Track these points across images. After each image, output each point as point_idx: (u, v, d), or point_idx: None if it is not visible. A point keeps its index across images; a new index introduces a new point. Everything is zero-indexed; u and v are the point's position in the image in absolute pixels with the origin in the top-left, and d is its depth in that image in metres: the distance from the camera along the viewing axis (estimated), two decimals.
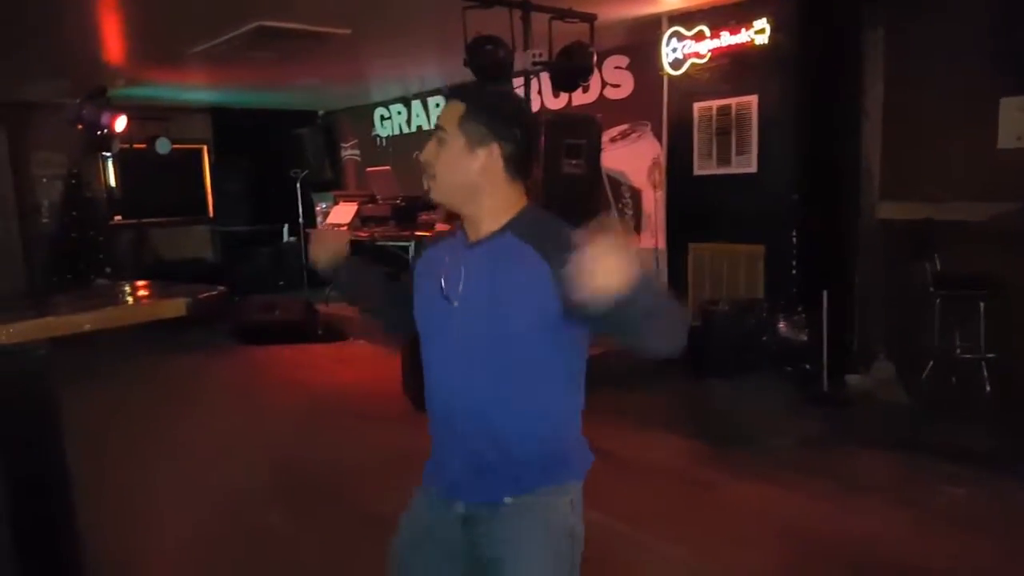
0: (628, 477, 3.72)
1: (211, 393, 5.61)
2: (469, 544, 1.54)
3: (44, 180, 8.88)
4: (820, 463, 3.75)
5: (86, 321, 1.35)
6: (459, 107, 1.49)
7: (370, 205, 7.74)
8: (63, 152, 8.78)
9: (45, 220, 8.86)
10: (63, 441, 1.46)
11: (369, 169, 8.39)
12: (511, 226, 1.50)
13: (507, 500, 1.52)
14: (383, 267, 1.88)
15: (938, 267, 4.48)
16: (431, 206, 7.64)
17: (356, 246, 1.81)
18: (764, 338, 4.70)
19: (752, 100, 4.95)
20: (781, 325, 4.68)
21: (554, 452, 1.58)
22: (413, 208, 7.24)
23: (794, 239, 4.85)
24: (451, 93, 1.55)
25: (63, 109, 7.77)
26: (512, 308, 1.44)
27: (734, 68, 5.04)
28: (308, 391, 5.51)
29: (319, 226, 8.17)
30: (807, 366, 4.66)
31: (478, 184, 1.49)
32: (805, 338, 4.63)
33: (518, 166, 1.51)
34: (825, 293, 4.58)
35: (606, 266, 1.15)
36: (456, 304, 1.50)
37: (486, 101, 1.52)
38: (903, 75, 4.77)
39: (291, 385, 5.71)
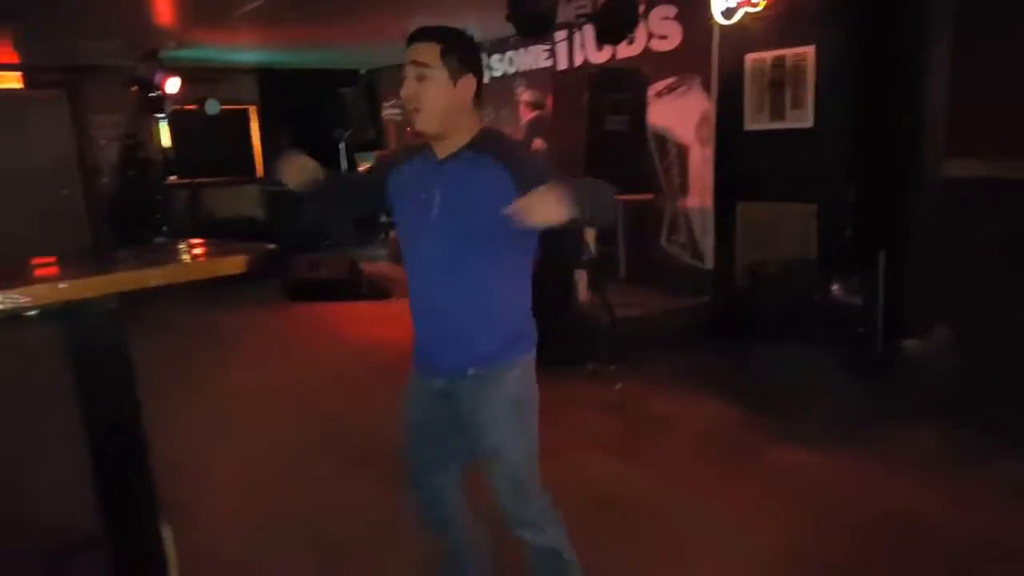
0: (670, 439, 3.75)
1: (261, 347, 5.80)
2: (451, 411, 1.94)
3: (103, 142, 9.13)
4: (869, 431, 3.68)
5: (153, 277, 1.43)
6: (436, 47, 1.76)
7: None
8: (119, 114, 9.01)
9: (105, 180, 9.14)
10: (135, 387, 1.56)
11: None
12: (473, 144, 1.82)
13: (470, 372, 1.88)
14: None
15: (1003, 229, 4.32)
16: None
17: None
18: (815, 301, 4.62)
19: (808, 51, 4.77)
20: (833, 287, 4.58)
21: (506, 334, 1.91)
22: None
23: (850, 197, 4.71)
24: (425, 35, 1.78)
25: (118, 72, 7.96)
26: (481, 207, 1.75)
27: (790, 17, 4.84)
28: (352, 347, 5.65)
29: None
30: (860, 330, 4.57)
31: (458, 110, 1.80)
32: (859, 301, 4.52)
33: (479, 94, 1.84)
34: (882, 254, 4.46)
35: (542, 208, 1.50)
36: (435, 212, 1.82)
37: (458, 41, 1.80)
38: (974, 25, 4.55)
39: (336, 341, 5.86)
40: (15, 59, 8.24)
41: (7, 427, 3.82)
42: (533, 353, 1.97)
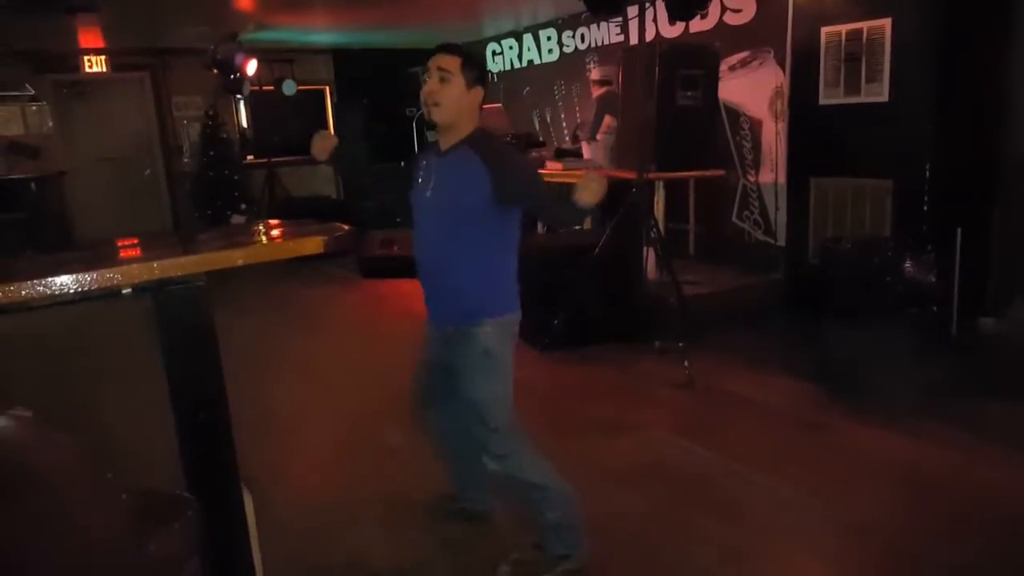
0: (743, 417, 3.72)
1: (337, 322, 5.98)
2: (445, 353, 2.38)
3: (184, 122, 9.50)
4: (946, 410, 3.58)
5: (239, 256, 1.52)
6: (457, 59, 2.23)
7: None
8: (200, 95, 9.35)
9: (186, 160, 9.51)
10: (221, 362, 1.66)
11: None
12: (466, 141, 2.26)
13: (451, 328, 2.34)
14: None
15: None
16: (542, 143, 7.65)
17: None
18: (889, 278, 4.48)
19: (885, 23, 4.60)
20: (908, 265, 4.45)
21: (483, 298, 2.29)
22: (524, 146, 7.26)
23: (927, 173, 4.55)
24: (449, 49, 2.26)
25: (199, 54, 8.24)
26: (463, 194, 2.20)
27: None
28: (422, 322, 5.76)
29: None
30: (935, 308, 4.42)
31: (467, 113, 2.26)
32: (934, 279, 4.38)
33: (482, 105, 2.32)
34: (959, 231, 4.30)
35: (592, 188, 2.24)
36: (430, 193, 2.29)
37: (474, 58, 2.28)
38: None
39: (408, 315, 5.99)
40: (101, 44, 8.61)
41: (105, 395, 4.09)
42: (508, 316, 2.35)
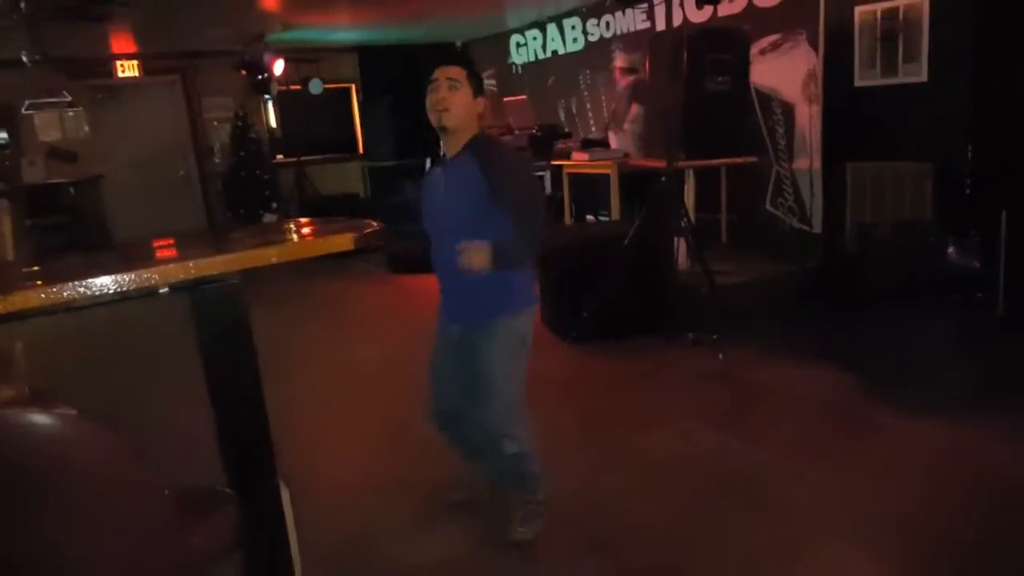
0: (779, 409, 3.65)
1: (366, 317, 6.03)
2: (464, 351, 2.53)
3: (215, 123, 9.62)
4: (993, 399, 3.44)
5: (272, 255, 1.53)
6: (463, 70, 2.44)
7: (507, 136, 7.80)
8: (229, 96, 9.46)
9: (217, 160, 9.64)
10: (256, 359, 1.67)
11: (506, 99, 8.43)
12: (467, 148, 2.44)
13: (469, 322, 2.51)
14: None
15: None
16: (567, 134, 7.61)
17: None
18: (931, 264, 4.37)
19: (923, 0, 4.48)
20: (951, 250, 4.33)
21: (496, 295, 2.44)
22: (549, 137, 7.22)
23: (969, 155, 4.42)
24: (456, 61, 2.46)
25: (228, 56, 8.34)
26: (468, 196, 2.38)
27: None
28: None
29: None
30: (979, 294, 4.31)
31: (472, 118, 2.46)
32: (978, 264, 4.26)
33: (483, 115, 2.50)
34: (1004, 214, 4.18)
35: (475, 258, 2.30)
36: (441, 197, 2.48)
37: (476, 71, 2.51)
38: None
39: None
40: (133, 48, 8.75)
41: (145, 390, 4.16)
42: (523, 311, 2.52)
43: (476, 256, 2.28)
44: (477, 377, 2.49)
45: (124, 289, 1.34)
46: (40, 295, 1.28)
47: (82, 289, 1.30)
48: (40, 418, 1.11)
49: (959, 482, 2.85)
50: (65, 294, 1.30)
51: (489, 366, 2.46)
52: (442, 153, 2.55)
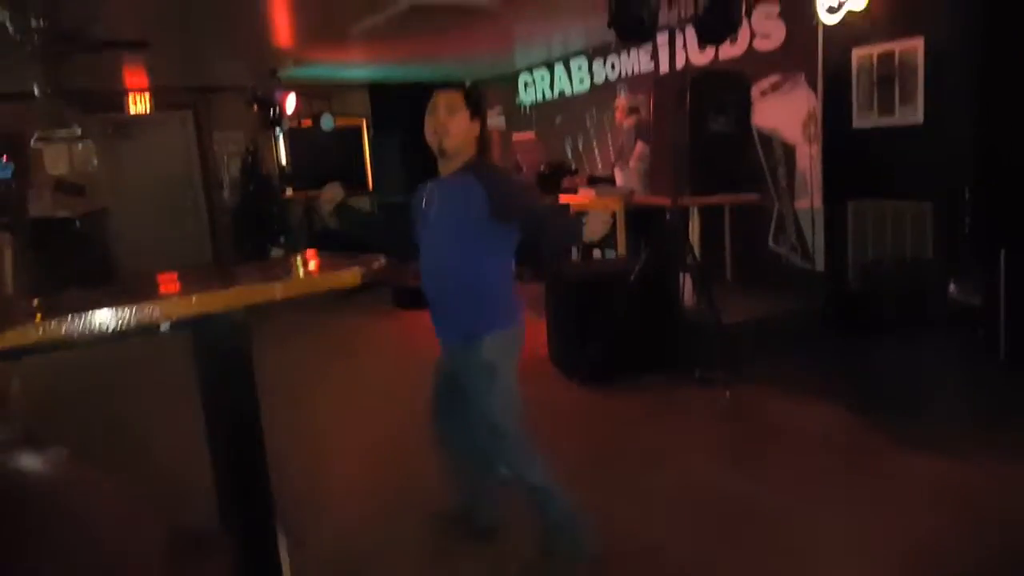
0: (787, 446, 3.63)
1: (373, 351, 6.02)
2: (453, 365, 2.55)
3: (225, 158, 9.73)
4: (1001, 437, 3.44)
5: (277, 291, 1.54)
6: (460, 94, 2.49)
7: (516, 174, 7.89)
8: (240, 131, 9.57)
9: (226, 194, 9.72)
10: (257, 394, 1.68)
11: (515, 137, 8.53)
12: (465, 168, 2.48)
13: (457, 342, 2.50)
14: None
15: None
16: (575, 171, 7.68)
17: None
18: (933, 301, 4.38)
19: (917, 44, 4.55)
20: (951, 287, 4.34)
21: (483, 314, 2.46)
22: (557, 174, 7.29)
23: (967, 194, 4.45)
24: (451, 86, 2.51)
25: (240, 91, 8.47)
26: (465, 215, 2.40)
27: (896, 10, 4.64)
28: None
29: None
30: (982, 331, 4.31)
31: (470, 141, 2.51)
32: (978, 302, 4.27)
33: (479, 137, 2.54)
34: (1003, 252, 4.19)
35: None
36: (432, 216, 2.50)
37: (473, 94, 2.54)
38: None
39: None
40: (146, 83, 8.89)
41: (145, 430, 4.16)
42: (510, 329, 2.51)
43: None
44: (465, 395, 2.53)
45: (124, 325, 1.34)
46: (37, 331, 1.27)
47: (80, 324, 1.30)
48: (31, 461, 1.11)
49: (965, 517, 2.83)
50: (63, 330, 1.29)
51: (467, 385, 2.50)
52: (436, 177, 2.61)
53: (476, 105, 2.53)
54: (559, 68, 8.89)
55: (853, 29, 4.91)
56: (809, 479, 3.25)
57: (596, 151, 8.48)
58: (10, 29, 3.31)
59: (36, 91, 6.28)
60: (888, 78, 4.74)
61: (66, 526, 1.13)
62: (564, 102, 8.95)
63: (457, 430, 2.68)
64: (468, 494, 2.86)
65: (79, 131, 8.27)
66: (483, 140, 2.56)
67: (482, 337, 2.44)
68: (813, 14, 5.13)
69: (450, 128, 2.45)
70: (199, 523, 1.68)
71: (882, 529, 2.78)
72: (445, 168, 2.53)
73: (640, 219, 5.91)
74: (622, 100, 6.70)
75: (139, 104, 9.20)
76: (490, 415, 2.47)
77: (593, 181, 6.77)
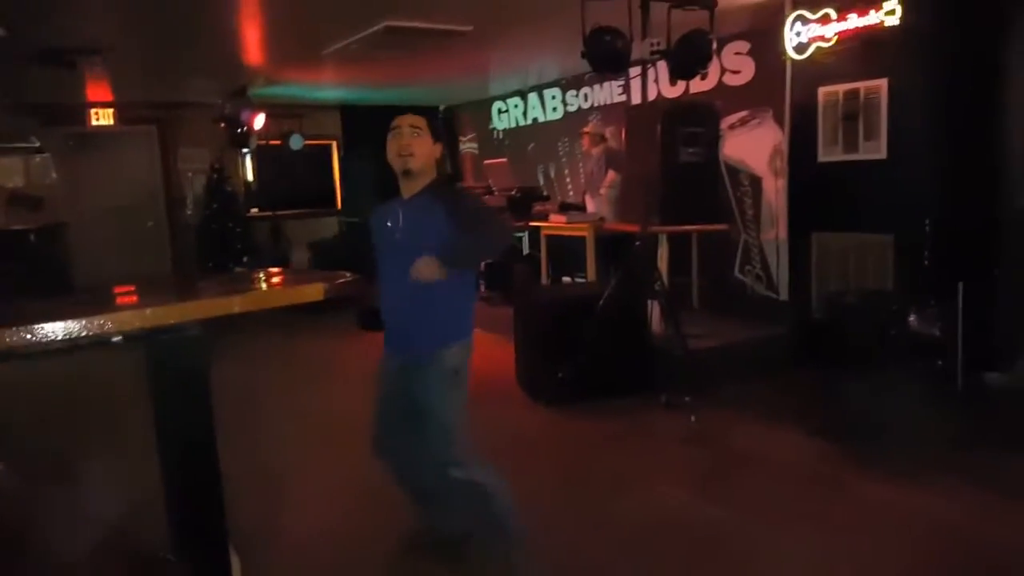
0: (752, 472, 3.64)
1: (336, 374, 5.91)
2: (406, 383, 2.62)
3: (189, 174, 9.56)
4: (961, 463, 3.52)
5: (235, 304, 1.48)
6: (423, 119, 2.62)
7: (487, 196, 7.89)
8: (206, 148, 9.43)
9: (189, 212, 9.55)
10: (212, 415, 1.61)
11: (487, 161, 8.54)
12: (427, 189, 2.61)
13: (414, 355, 2.59)
14: None
15: None
16: (546, 197, 7.72)
17: None
18: (894, 332, 4.45)
19: (882, 84, 4.68)
20: (912, 318, 4.42)
21: (443, 329, 2.58)
22: (528, 198, 7.32)
23: (927, 228, 4.55)
24: (415, 111, 2.64)
25: (208, 108, 8.36)
26: (426, 235, 2.48)
27: (862, 51, 4.77)
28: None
29: None
30: (940, 362, 4.38)
31: (432, 163, 2.63)
32: (938, 332, 4.35)
33: (440, 159, 2.68)
34: (961, 285, 4.29)
35: (425, 271, 2.40)
36: (398, 235, 2.57)
37: (435, 121, 2.69)
38: None
39: None
40: (110, 97, 8.73)
41: (91, 445, 4.01)
42: (468, 338, 2.65)
43: (425, 269, 2.39)
44: (417, 408, 2.60)
45: (74, 336, 1.27)
46: None
47: (26, 335, 1.22)
48: None
49: (926, 544, 2.85)
50: (7, 340, 1.21)
51: (427, 395, 2.58)
52: (395, 195, 2.70)
53: (438, 129, 2.67)
54: (533, 97, 8.96)
55: (820, 68, 5.04)
56: (775, 505, 3.25)
57: (568, 178, 8.53)
58: None
59: None
60: (853, 115, 4.86)
61: (4, 542, 1.06)
62: (537, 129, 9.00)
63: (404, 450, 2.73)
64: (426, 512, 2.90)
65: (37, 143, 8.07)
66: (452, 164, 2.66)
67: (450, 346, 2.58)
68: (781, 52, 5.25)
69: (414, 149, 2.57)
70: (151, 545, 1.60)
71: (849, 555, 2.79)
72: (408, 189, 2.64)
73: (610, 245, 5.94)
74: (589, 128, 6.77)
75: (102, 118, 9.01)
76: (448, 420, 2.58)
77: (565, 207, 6.80)
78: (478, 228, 2.49)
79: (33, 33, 4.71)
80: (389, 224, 2.61)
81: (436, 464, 2.59)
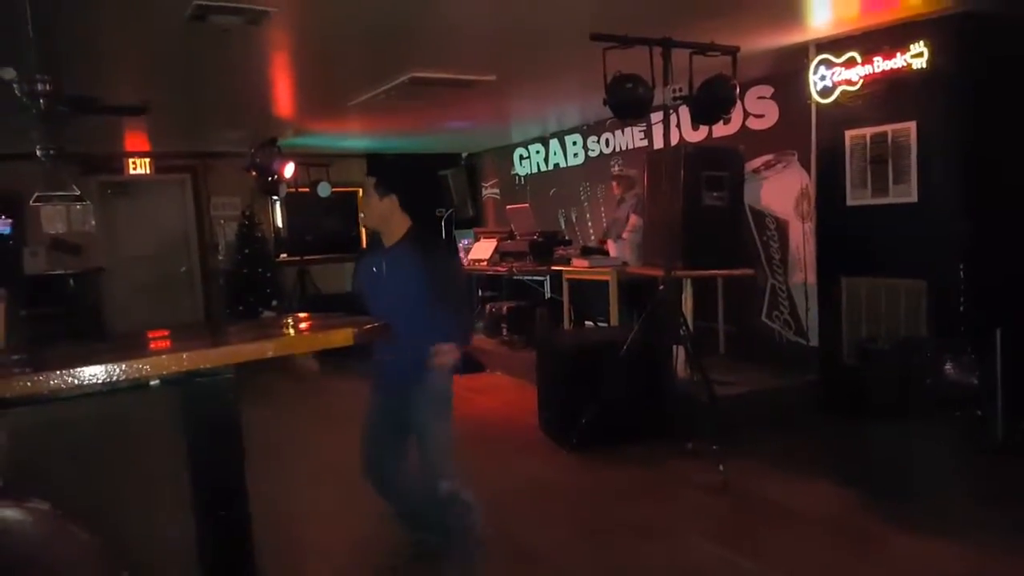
0: (781, 524, 3.55)
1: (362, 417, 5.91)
2: (397, 408, 2.91)
3: (222, 221, 9.79)
4: (998, 518, 3.39)
5: (269, 349, 1.50)
6: (372, 180, 2.92)
7: (509, 241, 7.95)
8: (238, 196, 9.67)
9: (221, 257, 9.74)
10: (243, 457, 1.62)
11: (509, 207, 8.63)
12: (404, 240, 2.91)
13: (409, 384, 2.85)
14: None
15: None
16: (566, 242, 7.75)
17: None
18: (929, 380, 4.34)
19: (910, 126, 4.66)
20: (948, 366, 4.31)
21: (427, 360, 2.79)
22: (550, 243, 7.35)
23: (962, 272, 4.48)
24: (370, 171, 2.98)
25: (239, 157, 8.58)
26: (406, 283, 2.82)
27: (889, 94, 4.77)
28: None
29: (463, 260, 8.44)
30: (978, 412, 4.26)
31: (387, 216, 2.93)
32: (975, 381, 4.24)
33: (404, 207, 2.94)
34: (999, 331, 4.20)
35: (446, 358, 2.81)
36: (384, 278, 2.88)
37: (385, 173, 2.98)
38: None
39: None
40: (147, 147, 9.02)
41: (125, 489, 4.03)
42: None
43: (446, 356, 2.77)
44: (411, 431, 2.88)
45: (114, 379, 1.30)
46: (24, 383, 1.24)
47: (69, 379, 1.26)
48: (10, 513, 1.07)
49: None
50: (51, 383, 1.25)
51: (420, 416, 2.85)
52: (379, 241, 3.00)
53: (386, 183, 2.91)
54: (554, 143, 9.07)
55: (846, 111, 5.03)
56: (803, 558, 3.17)
57: (590, 223, 8.57)
58: (17, 91, 3.36)
59: (38, 152, 6.34)
60: (882, 158, 4.82)
61: None
62: (559, 174, 9.09)
63: (394, 470, 3.00)
64: (412, 525, 3.18)
65: (78, 192, 8.33)
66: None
67: (425, 381, 2.83)
68: (806, 96, 5.27)
69: (365, 211, 2.97)
70: None
71: None
72: (386, 240, 2.96)
73: (633, 290, 5.92)
74: (617, 172, 6.81)
75: (139, 167, 9.30)
76: (440, 433, 2.88)
77: (586, 252, 6.82)
78: (451, 302, 2.83)
79: (75, 86, 4.88)
80: (375, 270, 2.94)
81: (425, 479, 2.83)
